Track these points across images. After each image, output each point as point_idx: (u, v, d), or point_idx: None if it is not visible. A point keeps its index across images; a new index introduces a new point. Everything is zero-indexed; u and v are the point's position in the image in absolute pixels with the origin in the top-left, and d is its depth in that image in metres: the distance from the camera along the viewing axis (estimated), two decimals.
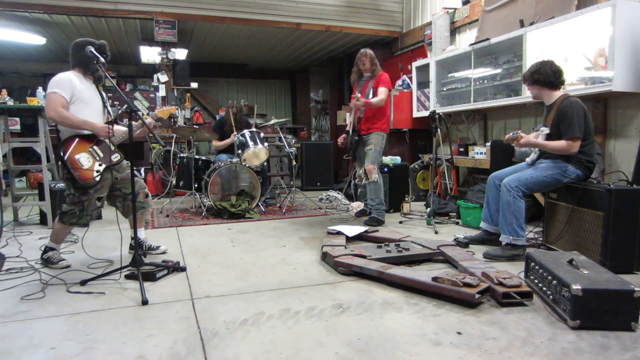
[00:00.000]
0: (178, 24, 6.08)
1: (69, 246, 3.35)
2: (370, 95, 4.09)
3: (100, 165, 2.73)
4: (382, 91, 4.04)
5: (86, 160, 2.68)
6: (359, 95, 4.00)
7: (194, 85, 7.13)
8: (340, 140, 4.36)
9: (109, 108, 2.95)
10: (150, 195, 3.10)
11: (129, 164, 3.00)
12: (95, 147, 2.74)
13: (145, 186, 3.09)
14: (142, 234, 3.10)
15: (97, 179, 2.71)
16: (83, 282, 2.45)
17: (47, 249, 2.86)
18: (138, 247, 2.52)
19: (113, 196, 2.94)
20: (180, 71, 6.54)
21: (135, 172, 2.97)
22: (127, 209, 2.95)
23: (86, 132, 2.72)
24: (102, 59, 2.58)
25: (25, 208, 4.65)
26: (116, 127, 2.91)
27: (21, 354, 1.69)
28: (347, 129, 4.35)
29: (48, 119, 2.65)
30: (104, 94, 2.95)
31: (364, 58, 4.14)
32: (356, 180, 4.52)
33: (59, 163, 2.67)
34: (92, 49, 2.56)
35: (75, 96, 2.67)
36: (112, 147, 2.78)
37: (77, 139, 2.70)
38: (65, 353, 1.69)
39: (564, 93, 2.97)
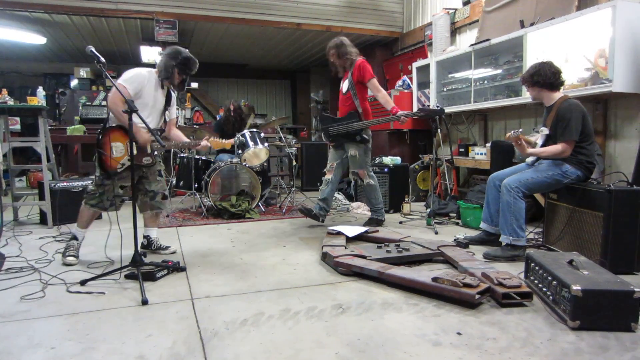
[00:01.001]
0: (178, 24, 6.08)
1: None
2: (346, 88, 3.85)
3: (129, 160, 2.76)
4: (375, 85, 3.72)
5: (118, 151, 2.78)
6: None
7: (195, 85, 7.13)
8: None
9: (170, 116, 3.07)
10: (167, 197, 3.13)
11: (162, 167, 3.14)
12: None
13: (165, 188, 3.12)
14: (154, 233, 3.16)
15: (119, 170, 2.80)
16: (83, 282, 2.45)
17: (72, 237, 2.95)
18: (138, 247, 2.52)
19: (137, 189, 2.99)
20: None
21: (163, 173, 3.12)
22: (143, 204, 3.04)
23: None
24: (103, 60, 2.54)
25: (25, 208, 4.65)
26: (183, 139, 3.09)
27: (21, 353, 1.69)
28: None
29: (107, 105, 2.77)
30: (173, 100, 3.06)
31: (345, 48, 3.71)
32: (325, 176, 4.11)
33: (97, 140, 2.79)
34: (92, 49, 2.53)
35: (139, 94, 2.78)
36: (149, 150, 2.87)
37: (121, 130, 2.77)
38: (65, 353, 1.69)
39: (563, 94, 2.97)
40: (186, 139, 3.13)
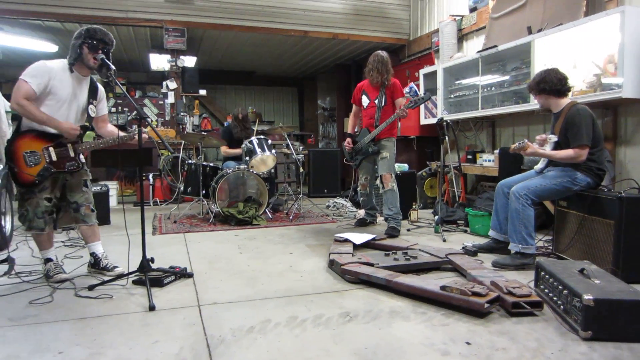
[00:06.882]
0: (187, 32, 6.16)
1: (77, 251, 3.38)
2: (383, 102, 4.03)
3: (47, 170, 2.50)
4: (403, 103, 4.00)
5: (33, 160, 2.45)
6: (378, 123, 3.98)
7: (203, 92, 7.20)
8: (347, 145, 4.25)
9: (99, 112, 2.73)
10: (95, 211, 2.78)
11: (89, 177, 2.80)
12: (51, 149, 2.50)
13: (91, 201, 2.76)
14: (99, 248, 2.81)
15: (38, 181, 2.48)
16: (91, 287, 2.46)
17: (44, 261, 2.70)
18: (145, 253, 2.52)
19: (60, 199, 2.69)
20: (189, 78, 6.62)
21: (89, 183, 2.77)
22: (62, 219, 2.74)
23: (50, 130, 2.50)
24: (113, 67, 2.50)
25: None
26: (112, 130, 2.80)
27: (29, 357, 1.70)
28: (350, 132, 4.34)
29: (12, 109, 2.45)
30: (101, 94, 2.73)
31: (389, 65, 4.03)
32: (359, 189, 4.43)
33: (5, 151, 2.46)
34: (103, 57, 2.49)
35: (49, 89, 2.45)
36: (72, 154, 2.57)
37: (33, 134, 2.47)
38: (73, 357, 1.70)
39: (571, 100, 2.96)
40: (121, 133, 2.67)
